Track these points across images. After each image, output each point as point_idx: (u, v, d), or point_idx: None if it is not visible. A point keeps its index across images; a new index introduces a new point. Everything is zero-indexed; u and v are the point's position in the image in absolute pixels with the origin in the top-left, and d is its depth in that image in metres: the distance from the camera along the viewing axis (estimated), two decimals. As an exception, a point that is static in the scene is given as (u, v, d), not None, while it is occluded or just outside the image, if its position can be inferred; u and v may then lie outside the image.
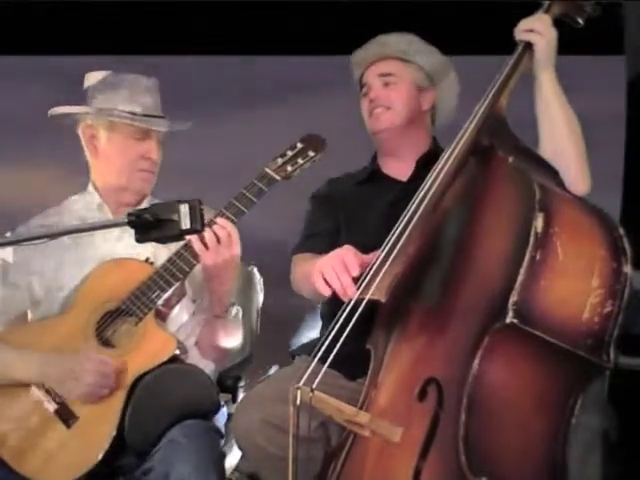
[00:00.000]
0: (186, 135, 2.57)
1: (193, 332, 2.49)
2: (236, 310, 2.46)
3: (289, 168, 2.41)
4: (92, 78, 2.52)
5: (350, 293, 2.00)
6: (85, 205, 2.55)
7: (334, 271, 2.05)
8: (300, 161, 2.42)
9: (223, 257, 2.26)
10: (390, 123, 2.47)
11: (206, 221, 1.99)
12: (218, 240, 2.26)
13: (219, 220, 2.28)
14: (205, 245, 2.25)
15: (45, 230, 2.34)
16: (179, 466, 2.14)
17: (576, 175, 2.15)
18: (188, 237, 2.19)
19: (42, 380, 2.30)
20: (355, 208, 2.39)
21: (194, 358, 2.40)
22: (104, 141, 2.50)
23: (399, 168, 2.50)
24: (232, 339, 2.46)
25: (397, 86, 2.48)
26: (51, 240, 2.01)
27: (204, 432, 2.24)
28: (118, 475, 2.28)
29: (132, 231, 1.80)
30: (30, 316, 2.49)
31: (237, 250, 2.29)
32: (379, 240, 2.03)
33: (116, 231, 2.48)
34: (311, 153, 2.43)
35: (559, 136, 2.16)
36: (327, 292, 2.06)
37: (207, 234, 2.24)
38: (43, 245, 2.29)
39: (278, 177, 2.39)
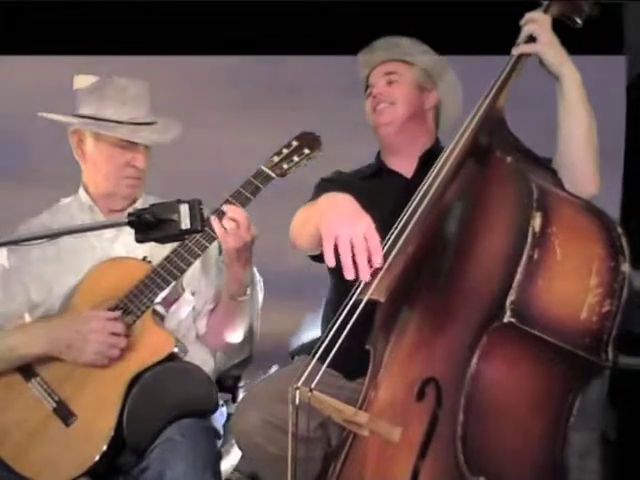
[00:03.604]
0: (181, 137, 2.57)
1: (194, 326, 2.51)
2: (250, 291, 2.46)
3: (285, 166, 2.44)
4: (80, 82, 2.51)
5: (363, 277, 1.87)
6: (77, 207, 2.56)
7: (351, 245, 1.88)
8: (296, 159, 2.45)
9: (244, 240, 2.30)
10: (393, 117, 2.52)
11: (210, 214, 2.11)
12: (237, 225, 2.28)
13: (230, 207, 2.32)
14: (225, 230, 2.29)
15: (45, 230, 2.34)
16: (175, 465, 2.14)
17: (589, 173, 2.17)
18: (212, 221, 2.27)
19: (50, 348, 2.30)
20: (360, 200, 2.38)
21: (193, 356, 2.41)
22: (91, 147, 2.50)
23: (403, 165, 2.53)
24: (244, 322, 2.49)
25: (400, 84, 2.54)
26: (50, 240, 2.00)
27: (201, 431, 2.25)
28: (117, 474, 2.29)
29: (129, 230, 1.80)
30: (28, 319, 2.48)
31: (255, 232, 2.32)
32: (380, 235, 2.01)
33: (113, 231, 2.49)
34: (306, 151, 2.46)
35: (578, 133, 2.16)
36: (332, 263, 1.88)
37: (225, 221, 2.29)
38: (40, 249, 2.31)
39: (274, 175, 2.42)
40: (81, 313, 2.35)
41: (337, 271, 1.91)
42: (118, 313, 2.30)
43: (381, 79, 2.55)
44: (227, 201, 2.36)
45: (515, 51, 2.16)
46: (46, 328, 2.34)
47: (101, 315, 2.28)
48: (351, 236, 1.88)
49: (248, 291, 2.43)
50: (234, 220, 2.29)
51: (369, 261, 1.88)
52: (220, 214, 2.30)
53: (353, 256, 1.87)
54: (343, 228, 1.90)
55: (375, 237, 1.90)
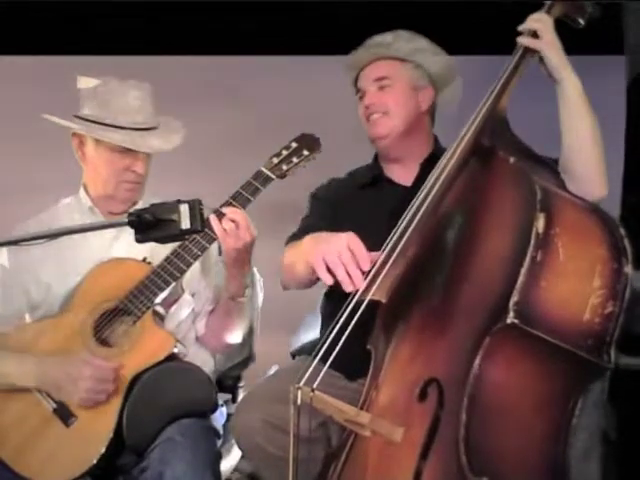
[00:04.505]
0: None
1: (194, 326, 2.51)
2: (249, 291, 2.46)
3: (284, 167, 2.43)
4: (83, 84, 2.50)
5: (358, 284, 1.93)
6: (77, 208, 2.56)
7: (340, 260, 1.96)
8: (295, 160, 2.44)
9: (244, 241, 2.30)
10: (389, 129, 2.44)
11: (209, 215, 2.11)
12: (237, 225, 2.29)
13: (229, 209, 2.31)
14: (224, 231, 2.29)
15: (45, 230, 2.33)
16: (175, 465, 2.15)
17: (595, 177, 2.14)
18: (212, 221, 2.27)
19: (40, 386, 2.30)
20: (357, 213, 2.37)
21: (193, 356, 2.41)
22: (91, 150, 2.49)
23: (402, 172, 2.48)
24: (243, 323, 2.49)
25: (392, 89, 2.45)
26: (50, 240, 2.00)
27: (201, 431, 2.25)
28: (117, 474, 2.29)
29: (129, 231, 1.80)
30: (29, 320, 2.48)
31: (254, 233, 2.32)
32: (381, 246, 2.00)
33: (113, 231, 2.48)
34: (305, 152, 2.45)
35: (582, 138, 2.14)
36: (330, 281, 1.97)
37: (224, 221, 2.29)
38: (40, 249, 2.30)
39: (273, 176, 2.41)
40: (80, 315, 2.35)
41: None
42: (107, 363, 2.28)
43: (372, 85, 2.46)
44: (227, 202, 2.36)
45: (519, 40, 2.14)
46: (37, 364, 2.32)
47: (92, 362, 2.27)
48: (337, 251, 1.96)
49: (247, 292, 2.43)
50: (233, 221, 2.29)
51: (360, 269, 1.94)
52: (220, 215, 2.30)
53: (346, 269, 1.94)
54: (327, 248, 1.99)
55: (359, 245, 1.97)
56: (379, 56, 2.48)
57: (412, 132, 2.46)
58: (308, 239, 2.18)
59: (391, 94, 2.45)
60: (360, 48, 2.50)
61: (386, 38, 2.47)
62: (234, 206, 2.34)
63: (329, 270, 1.97)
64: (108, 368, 2.25)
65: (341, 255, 1.96)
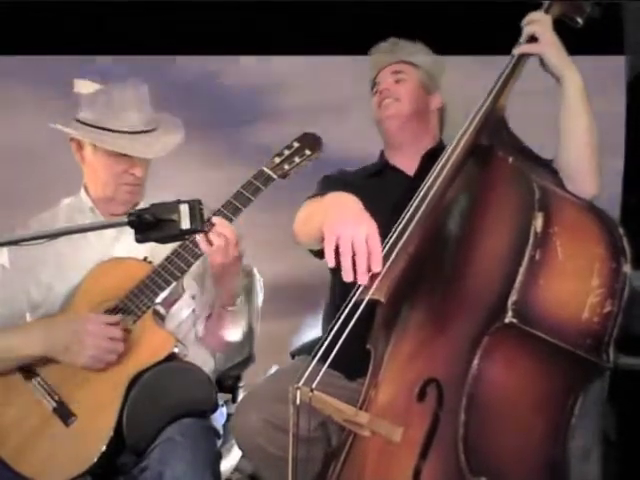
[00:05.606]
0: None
1: (193, 328, 2.51)
2: (240, 299, 2.45)
3: (286, 167, 2.43)
4: (81, 86, 2.50)
5: (361, 280, 1.87)
6: (77, 208, 2.56)
7: (351, 248, 1.87)
8: (297, 160, 2.44)
9: (232, 255, 2.27)
10: (397, 111, 2.54)
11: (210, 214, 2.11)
12: (225, 242, 2.25)
13: (218, 220, 2.28)
14: (212, 246, 2.25)
15: (45, 230, 2.34)
16: (174, 464, 2.14)
17: (589, 174, 2.15)
18: (199, 239, 2.23)
19: (47, 349, 2.29)
20: (363, 199, 2.38)
21: (194, 356, 2.41)
22: (90, 153, 2.48)
23: (405, 163, 2.55)
24: (238, 328, 2.48)
25: (406, 82, 2.58)
26: (50, 240, 2.00)
27: (201, 431, 2.25)
28: (118, 474, 2.28)
29: (129, 231, 1.80)
30: (29, 320, 2.47)
31: (241, 247, 2.30)
32: (383, 236, 1.98)
33: (113, 232, 2.48)
34: (307, 152, 2.45)
35: (578, 136, 2.15)
36: (332, 263, 1.87)
37: (212, 235, 2.24)
38: (41, 249, 2.30)
39: (275, 176, 2.41)
40: (80, 313, 2.35)
41: (337, 271, 1.92)
42: (117, 317, 2.29)
43: (389, 77, 2.58)
44: (225, 205, 2.34)
45: (516, 51, 2.17)
46: (44, 328, 2.33)
47: (99, 319, 2.28)
48: (353, 238, 1.88)
49: (238, 301, 2.42)
50: (222, 235, 2.25)
51: (368, 266, 1.88)
52: (208, 225, 2.23)
53: (353, 258, 1.87)
54: (345, 229, 1.89)
55: (377, 242, 1.90)
56: (398, 59, 2.60)
57: (418, 122, 2.56)
58: (330, 197, 2.07)
59: (405, 86, 2.57)
60: (382, 51, 2.63)
61: (404, 46, 2.61)
62: (225, 216, 2.30)
63: (337, 252, 1.89)
64: (117, 328, 2.26)
65: (355, 243, 1.88)
